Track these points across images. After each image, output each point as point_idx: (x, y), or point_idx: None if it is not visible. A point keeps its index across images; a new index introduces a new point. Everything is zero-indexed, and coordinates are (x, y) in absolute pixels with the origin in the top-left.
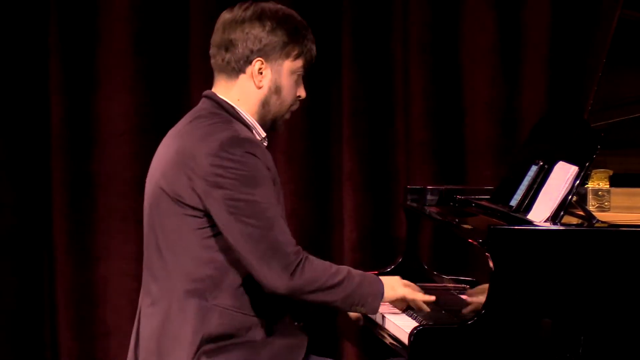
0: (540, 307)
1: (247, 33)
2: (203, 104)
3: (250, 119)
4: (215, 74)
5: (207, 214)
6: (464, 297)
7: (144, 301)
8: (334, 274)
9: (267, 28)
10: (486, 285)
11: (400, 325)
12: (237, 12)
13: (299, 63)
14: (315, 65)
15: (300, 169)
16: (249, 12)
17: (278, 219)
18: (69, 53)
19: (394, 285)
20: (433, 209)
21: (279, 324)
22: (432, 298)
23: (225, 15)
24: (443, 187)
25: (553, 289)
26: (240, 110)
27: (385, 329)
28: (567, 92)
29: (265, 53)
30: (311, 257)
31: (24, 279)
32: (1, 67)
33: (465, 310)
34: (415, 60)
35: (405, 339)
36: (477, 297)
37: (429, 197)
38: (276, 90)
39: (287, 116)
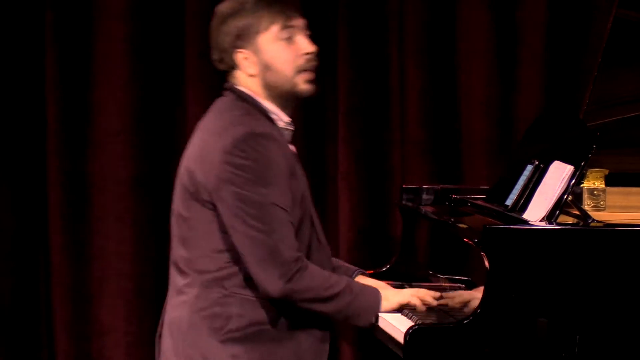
0: (536, 307)
1: (217, 36)
2: (225, 96)
3: (271, 106)
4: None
5: None
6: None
7: (170, 294)
8: (330, 286)
9: (229, 22)
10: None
11: (396, 325)
12: (211, 22)
13: (275, 28)
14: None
15: None
16: (214, 17)
17: (282, 223)
18: (64, 53)
19: (389, 296)
20: (429, 209)
21: (304, 318)
22: (429, 300)
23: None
24: (439, 187)
25: (549, 288)
26: (260, 100)
27: (381, 328)
28: (562, 92)
29: (238, 44)
30: (311, 266)
31: (20, 279)
32: None
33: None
34: (411, 60)
35: (400, 339)
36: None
37: (424, 196)
38: (267, 67)
39: (303, 77)
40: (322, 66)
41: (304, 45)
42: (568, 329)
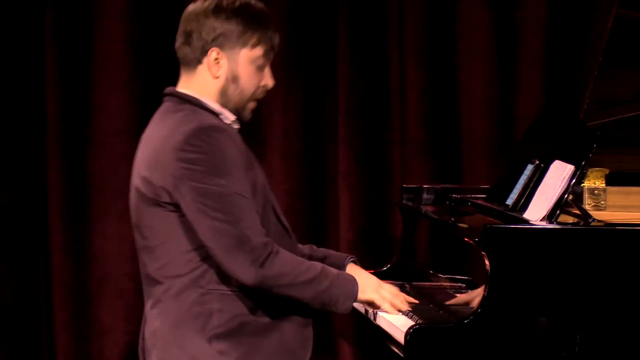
0: (537, 306)
1: (202, 24)
2: (166, 102)
3: (216, 106)
4: (180, 68)
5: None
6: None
7: (147, 304)
8: (305, 270)
9: (222, 17)
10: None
11: (397, 324)
12: (197, 4)
13: (258, 51)
14: (311, 64)
15: (295, 168)
16: (206, 4)
17: (246, 211)
18: (64, 53)
19: (366, 288)
20: (429, 208)
21: (285, 306)
22: (402, 307)
23: (187, 9)
24: (439, 186)
25: (549, 288)
26: (204, 100)
27: (381, 327)
28: (563, 92)
29: (220, 42)
30: (282, 251)
31: (20, 278)
32: None
33: (454, 305)
34: (412, 60)
35: (401, 338)
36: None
37: (425, 196)
38: (233, 79)
39: (252, 105)
40: (322, 66)
41: (269, 79)
42: (568, 329)
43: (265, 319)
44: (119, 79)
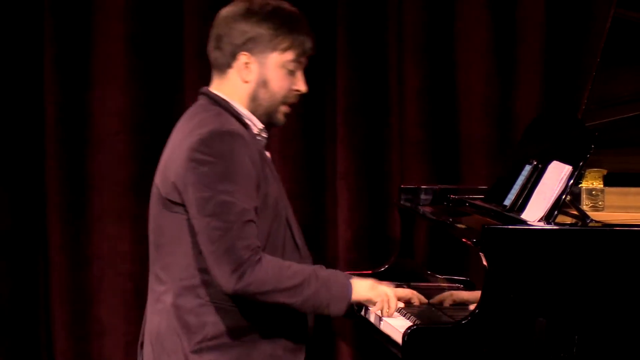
0: (535, 307)
1: (232, 28)
2: (199, 101)
3: (245, 111)
4: (212, 71)
5: None
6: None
7: (149, 301)
8: (291, 275)
9: (252, 22)
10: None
11: (394, 325)
12: (229, 9)
13: (289, 56)
14: (309, 64)
15: (294, 168)
16: (237, 8)
17: (243, 219)
18: (63, 53)
19: (360, 290)
20: (427, 209)
21: (278, 324)
22: (398, 304)
23: (219, 13)
24: (437, 187)
25: (547, 288)
26: (234, 104)
27: (379, 328)
28: (561, 91)
29: (250, 47)
30: (266, 259)
31: (18, 279)
32: None
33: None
34: (410, 60)
35: (399, 339)
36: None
37: (423, 196)
38: (263, 83)
39: (284, 109)
40: (321, 66)
41: (301, 84)
42: (567, 329)
43: (259, 335)
44: (118, 79)
